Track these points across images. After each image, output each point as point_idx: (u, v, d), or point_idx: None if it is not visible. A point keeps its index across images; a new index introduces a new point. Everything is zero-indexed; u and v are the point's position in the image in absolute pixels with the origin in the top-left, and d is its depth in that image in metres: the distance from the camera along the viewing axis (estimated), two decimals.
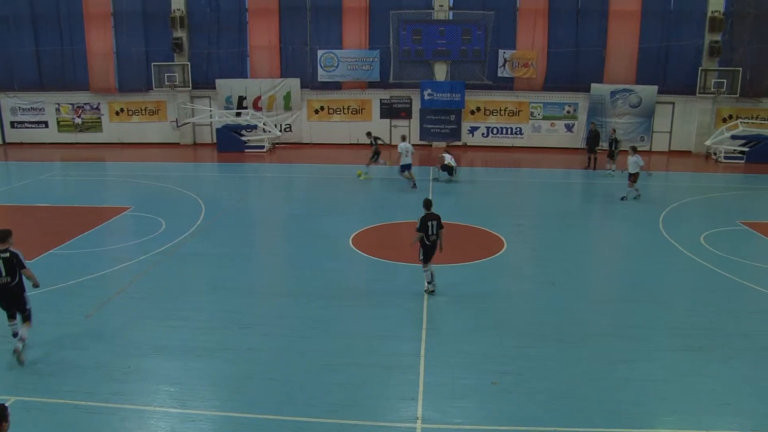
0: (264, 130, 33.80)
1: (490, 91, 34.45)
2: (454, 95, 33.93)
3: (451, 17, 33.91)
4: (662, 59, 33.04)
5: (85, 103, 36.83)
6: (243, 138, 33.76)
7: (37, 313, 11.82)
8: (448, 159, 25.41)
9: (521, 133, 35.10)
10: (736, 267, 14.69)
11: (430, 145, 34.73)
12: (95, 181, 26.60)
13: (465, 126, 35.14)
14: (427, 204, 13.05)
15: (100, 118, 37.04)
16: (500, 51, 33.68)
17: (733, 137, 30.87)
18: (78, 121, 37.09)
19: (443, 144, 34.70)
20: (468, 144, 35.29)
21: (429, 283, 13.00)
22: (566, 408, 8.70)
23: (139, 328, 11.29)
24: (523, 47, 33.70)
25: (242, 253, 16.05)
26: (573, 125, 34.58)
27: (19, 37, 35.65)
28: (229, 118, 34.47)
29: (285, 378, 9.46)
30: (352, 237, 17.02)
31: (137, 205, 20.60)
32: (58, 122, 37.21)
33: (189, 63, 35.18)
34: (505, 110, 34.92)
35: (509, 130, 35.16)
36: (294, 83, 35.20)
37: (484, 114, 35.10)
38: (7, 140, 37.39)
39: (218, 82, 35.39)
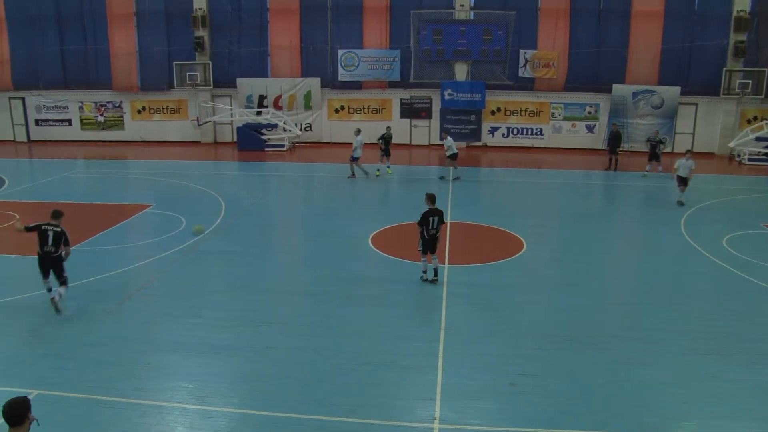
0: (284, 129, 33.94)
1: (511, 92, 34.29)
2: (474, 95, 33.81)
3: (472, 17, 33.80)
4: (685, 60, 32.64)
5: (107, 102, 37.25)
6: (263, 137, 33.91)
7: None
8: (449, 143, 25.83)
9: (542, 134, 34.90)
10: (759, 271, 14.46)
11: None
12: (117, 179, 26.88)
13: (485, 126, 35.01)
14: (431, 199, 13.39)
15: (122, 116, 37.45)
16: (521, 51, 33.50)
17: (758, 139, 30.36)
18: (101, 119, 37.51)
19: (463, 144, 34.69)
20: (488, 144, 35.18)
21: (424, 272, 13.47)
22: (584, 411, 8.65)
23: (159, 324, 11.41)
24: (544, 47, 33.50)
25: (261, 252, 16.14)
26: (594, 126, 34.32)
27: (44, 37, 36.15)
28: (249, 116, 34.66)
29: (303, 376, 9.50)
30: (371, 236, 17.03)
31: (158, 203, 20.79)
32: (82, 120, 37.68)
33: (210, 62, 35.43)
34: (525, 111, 34.76)
35: (530, 131, 34.98)
36: (314, 82, 35.31)
37: (505, 114, 34.95)
38: (32, 138, 37.96)
39: (239, 81, 35.61)
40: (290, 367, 9.83)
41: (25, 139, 37.91)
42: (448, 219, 13.69)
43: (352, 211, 20.61)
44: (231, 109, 35.36)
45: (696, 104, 33.28)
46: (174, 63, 35.45)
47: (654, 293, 13.33)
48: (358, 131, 25.49)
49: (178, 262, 14.94)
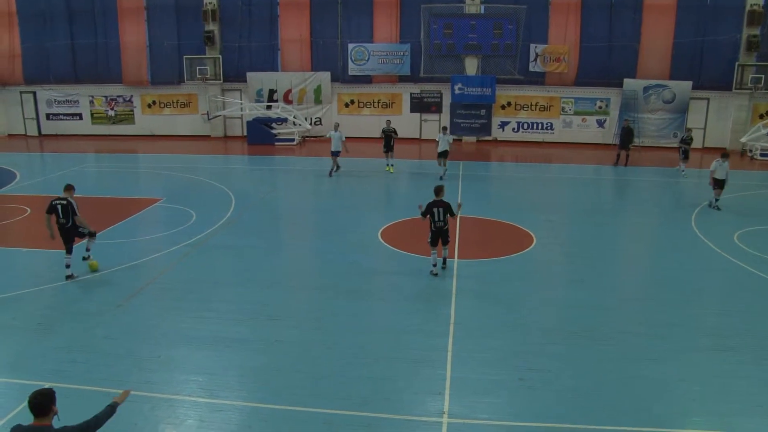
0: (294, 124, 33.96)
1: (521, 86, 34.14)
2: (484, 90, 33.70)
3: (482, 11, 33.62)
4: (697, 54, 32.37)
5: (118, 96, 37.41)
6: (273, 131, 33.96)
7: (70, 302, 12.16)
8: (444, 140, 24.25)
9: (552, 129, 34.75)
10: None
11: (461, 140, 34.60)
12: (127, 173, 27.00)
13: (495, 121, 34.90)
14: (436, 191, 13.68)
15: (132, 110, 37.60)
16: (532, 45, 33.36)
17: None
18: (111, 113, 37.66)
19: (473, 139, 34.61)
20: (498, 139, 35.08)
21: (434, 266, 13.60)
22: (593, 406, 8.63)
23: (169, 318, 11.45)
24: (555, 42, 33.34)
25: (271, 246, 16.17)
26: (605, 121, 34.15)
27: (54, 31, 36.29)
28: (259, 111, 34.70)
29: (313, 370, 9.52)
30: (380, 231, 17.03)
31: (168, 197, 20.87)
32: (92, 114, 37.86)
33: (220, 56, 35.47)
34: (536, 105, 34.61)
35: (540, 125, 34.84)
36: (324, 77, 35.30)
37: (515, 109, 34.83)
38: (43, 132, 38.17)
39: (249, 75, 35.64)
40: (300, 360, 9.86)
41: (36, 134, 38.11)
42: (457, 213, 13.66)
43: (362, 206, 20.61)
44: (241, 104, 35.42)
45: (708, 99, 33.05)
46: (184, 57, 35.46)
47: (664, 289, 13.27)
48: (337, 126, 25.58)
49: (188, 255, 14.99)
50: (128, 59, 36.22)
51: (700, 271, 14.55)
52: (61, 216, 13.16)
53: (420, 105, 35.51)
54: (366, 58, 34.69)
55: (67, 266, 13.21)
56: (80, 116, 37.91)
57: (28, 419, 5.55)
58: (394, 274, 14.07)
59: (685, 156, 25.86)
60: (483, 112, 34.41)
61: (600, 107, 34.10)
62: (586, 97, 34.02)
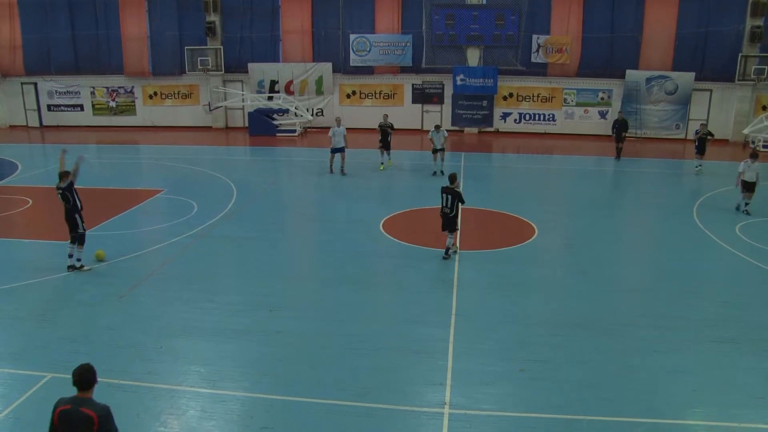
0: (296, 114, 33.91)
1: (524, 77, 34.05)
2: (486, 81, 33.64)
3: (484, 2, 33.46)
4: (700, 45, 32.23)
5: (119, 87, 37.34)
6: (275, 122, 33.91)
7: (73, 293, 12.17)
8: (437, 138, 23.40)
9: (554, 120, 34.68)
10: None
11: (462, 131, 34.55)
12: (129, 164, 27.00)
13: (497, 112, 34.81)
14: (450, 178, 14.21)
15: (134, 101, 37.55)
16: (534, 36, 33.25)
17: None
18: (112, 104, 37.61)
19: (475, 130, 34.53)
20: (500, 130, 35.00)
21: (447, 249, 14.06)
22: (595, 397, 8.65)
23: (170, 309, 11.47)
24: (557, 33, 33.23)
25: (273, 237, 16.18)
26: (607, 112, 34.04)
27: (55, 22, 36.19)
28: (261, 102, 34.64)
29: (315, 361, 9.55)
30: (382, 222, 17.03)
31: (170, 188, 20.87)
32: (93, 105, 37.80)
33: (222, 47, 35.38)
34: (538, 96, 34.52)
35: (542, 117, 34.76)
36: (326, 67, 35.21)
37: (517, 100, 34.73)
38: (44, 123, 38.13)
39: (251, 66, 35.58)
40: (302, 351, 9.88)
41: (37, 125, 38.07)
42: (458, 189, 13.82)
43: (364, 197, 20.59)
44: (242, 94, 35.36)
45: (710, 90, 32.93)
46: (185, 48, 35.39)
47: (666, 281, 13.27)
48: (338, 120, 24.38)
49: (190, 246, 15.01)
50: (129, 50, 36.13)
51: (702, 262, 14.54)
52: (62, 201, 13.26)
53: (422, 96, 35.41)
54: (367, 49, 34.59)
55: (70, 256, 13.23)
56: (81, 107, 37.84)
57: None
58: (395, 265, 14.07)
59: (700, 150, 24.27)
60: (485, 103, 34.34)
61: (602, 98, 34.01)
62: (589, 89, 33.92)
